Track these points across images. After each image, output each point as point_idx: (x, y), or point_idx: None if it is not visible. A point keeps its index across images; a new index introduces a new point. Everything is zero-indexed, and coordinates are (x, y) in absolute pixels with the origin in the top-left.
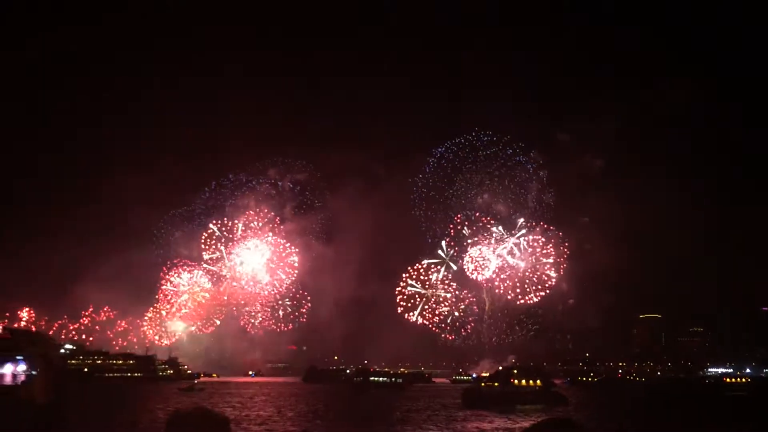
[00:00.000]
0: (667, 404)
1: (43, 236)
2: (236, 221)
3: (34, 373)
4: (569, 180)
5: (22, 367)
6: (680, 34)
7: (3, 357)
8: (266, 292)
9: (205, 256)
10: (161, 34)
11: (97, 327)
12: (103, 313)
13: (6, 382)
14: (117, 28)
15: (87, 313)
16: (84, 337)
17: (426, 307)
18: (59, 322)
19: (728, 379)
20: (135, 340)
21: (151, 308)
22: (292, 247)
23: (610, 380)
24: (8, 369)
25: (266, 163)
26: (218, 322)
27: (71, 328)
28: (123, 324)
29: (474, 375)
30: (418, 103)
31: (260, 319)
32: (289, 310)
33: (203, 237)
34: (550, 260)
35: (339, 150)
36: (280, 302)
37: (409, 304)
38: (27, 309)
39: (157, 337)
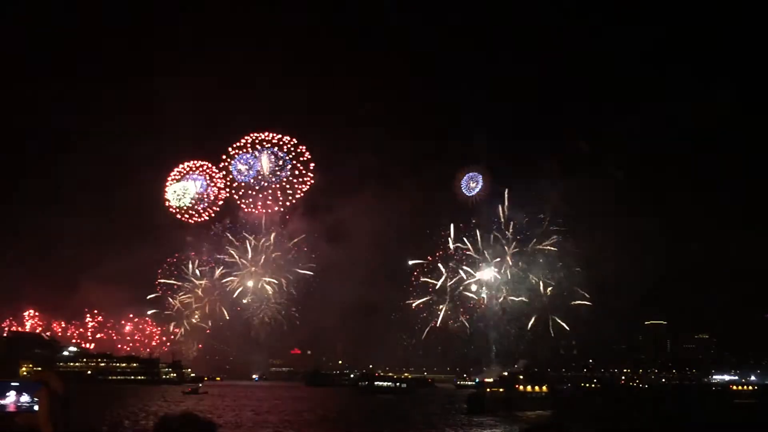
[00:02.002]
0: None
1: (49, 237)
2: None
3: (35, 404)
4: (587, 189)
5: (25, 398)
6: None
7: (3, 384)
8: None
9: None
10: (161, 32)
11: (101, 329)
12: (107, 316)
13: (8, 410)
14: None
15: (91, 315)
16: (89, 338)
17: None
18: (63, 323)
19: (735, 387)
20: (139, 342)
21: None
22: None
23: (614, 387)
24: (11, 397)
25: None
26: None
27: (75, 330)
28: (128, 326)
29: (477, 380)
30: (434, 104)
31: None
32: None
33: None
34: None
35: (353, 153)
36: (283, 312)
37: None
38: (32, 311)
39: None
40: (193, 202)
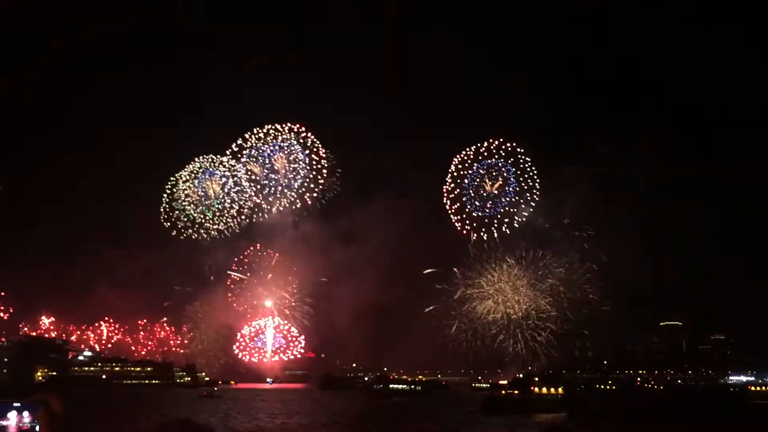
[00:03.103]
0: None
1: (64, 241)
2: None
3: (36, 424)
4: (609, 192)
5: (27, 418)
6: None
7: (5, 405)
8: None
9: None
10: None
11: (116, 333)
12: (121, 320)
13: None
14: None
15: (106, 320)
16: (104, 342)
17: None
18: (80, 328)
19: (753, 388)
20: (154, 346)
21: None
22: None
23: (629, 388)
24: (12, 418)
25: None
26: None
27: (91, 334)
28: (142, 329)
29: (490, 382)
30: (450, 104)
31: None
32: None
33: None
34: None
35: (368, 153)
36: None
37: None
38: (47, 316)
39: None
40: (216, 210)
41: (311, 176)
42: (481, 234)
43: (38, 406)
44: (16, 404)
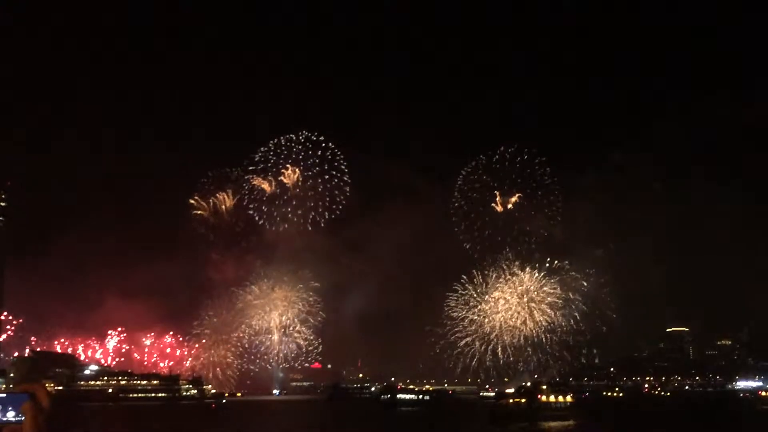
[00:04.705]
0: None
1: (74, 257)
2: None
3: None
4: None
5: (12, 411)
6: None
7: None
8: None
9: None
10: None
11: (123, 347)
12: (129, 333)
13: None
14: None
15: (114, 334)
16: (111, 357)
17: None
18: (86, 342)
19: (763, 393)
20: (161, 359)
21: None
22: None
23: (637, 395)
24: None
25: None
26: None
27: (98, 348)
28: (149, 343)
29: (496, 390)
30: (464, 114)
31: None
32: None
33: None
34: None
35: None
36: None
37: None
38: (56, 330)
39: None
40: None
41: (328, 195)
42: (496, 256)
43: (24, 398)
44: (1, 396)
